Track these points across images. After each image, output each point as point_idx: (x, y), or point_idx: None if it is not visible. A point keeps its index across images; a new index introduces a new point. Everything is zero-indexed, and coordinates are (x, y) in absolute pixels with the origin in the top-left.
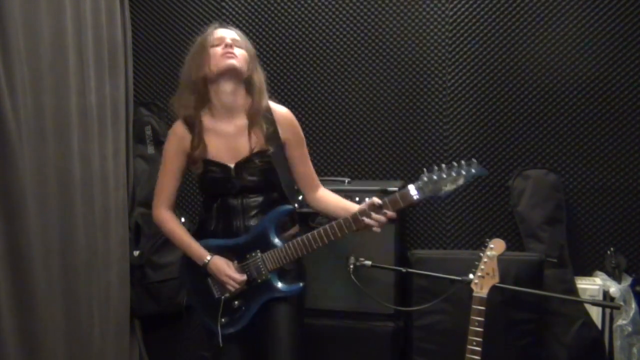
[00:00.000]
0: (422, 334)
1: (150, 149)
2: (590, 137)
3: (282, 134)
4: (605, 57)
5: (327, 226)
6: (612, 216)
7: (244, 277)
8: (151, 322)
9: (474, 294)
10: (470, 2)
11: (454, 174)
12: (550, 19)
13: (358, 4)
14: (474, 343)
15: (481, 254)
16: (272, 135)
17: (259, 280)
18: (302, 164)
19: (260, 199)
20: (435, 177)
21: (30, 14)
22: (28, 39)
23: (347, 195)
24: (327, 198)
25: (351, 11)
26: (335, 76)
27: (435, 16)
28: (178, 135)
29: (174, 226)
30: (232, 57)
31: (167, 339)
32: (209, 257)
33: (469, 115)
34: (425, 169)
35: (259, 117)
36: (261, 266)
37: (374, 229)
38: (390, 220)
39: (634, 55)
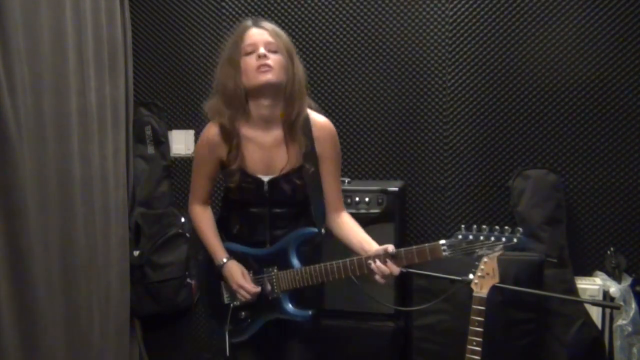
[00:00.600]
0: (422, 334)
1: (150, 149)
2: (590, 137)
3: (318, 146)
4: (605, 57)
5: (340, 262)
6: (612, 216)
7: (256, 290)
8: (151, 322)
9: (474, 294)
10: (470, 2)
11: (492, 238)
12: (550, 19)
13: (358, 4)
14: (474, 343)
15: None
16: (309, 152)
17: (270, 297)
18: (330, 180)
19: (287, 210)
20: (471, 237)
21: (30, 14)
22: (28, 39)
23: (347, 195)
24: (347, 225)
25: (351, 11)
26: (335, 76)
27: (435, 16)
28: (211, 142)
29: (200, 221)
30: (267, 72)
31: (167, 339)
32: (225, 260)
33: (469, 115)
34: (463, 226)
35: (295, 131)
36: (275, 283)
37: (376, 277)
38: (392, 275)
39: (634, 56)
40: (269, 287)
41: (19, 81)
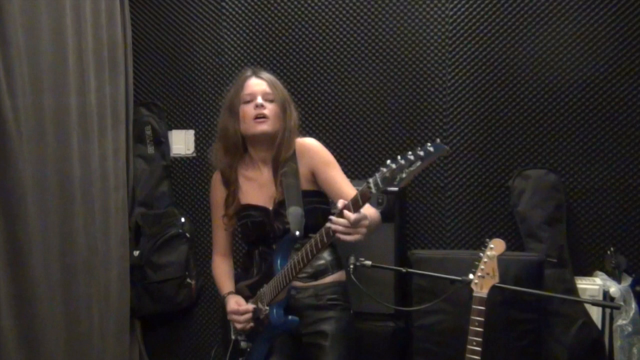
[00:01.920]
0: (422, 334)
1: (150, 149)
2: (590, 137)
3: (305, 166)
4: (605, 57)
5: (307, 244)
6: (612, 216)
7: (246, 308)
8: (151, 322)
9: (474, 294)
10: (470, 2)
11: (410, 155)
12: (550, 19)
13: (358, 4)
14: (474, 343)
15: (481, 254)
16: (290, 172)
17: (261, 317)
18: (333, 183)
19: (298, 244)
20: (393, 165)
21: (30, 14)
22: (28, 39)
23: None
24: None
25: (351, 11)
26: (335, 76)
27: (435, 16)
28: (219, 187)
29: (215, 268)
30: (263, 122)
31: (167, 339)
32: (223, 295)
33: (469, 115)
34: (389, 161)
35: (279, 159)
36: (263, 299)
37: (342, 237)
38: (354, 227)
39: (634, 55)
40: (259, 308)
41: (19, 81)
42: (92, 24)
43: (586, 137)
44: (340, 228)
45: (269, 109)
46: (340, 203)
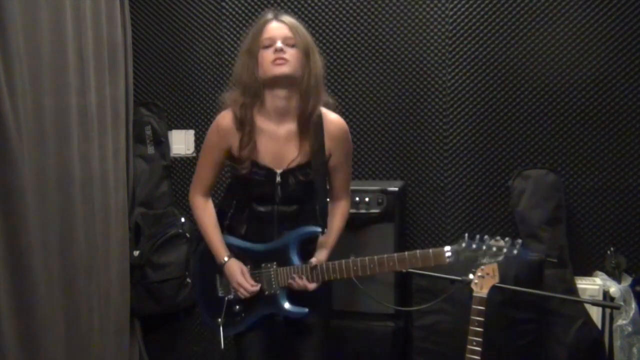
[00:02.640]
0: (422, 334)
1: (150, 149)
2: (590, 137)
3: (328, 144)
4: (605, 57)
5: (337, 263)
6: (612, 216)
7: (256, 288)
8: (151, 322)
9: (474, 294)
10: (470, 2)
11: (494, 248)
12: (550, 19)
13: (358, 4)
14: (474, 343)
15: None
16: (319, 149)
17: (267, 292)
18: (336, 174)
19: (294, 207)
20: (474, 246)
21: (30, 14)
22: (28, 39)
23: None
24: (331, 214)
25: (351, 11)
26: (335, 76)
27: (435, 16)
28: (223, 129)
29: (203, 215)
30: (282, 64)
31: (167, 339)
32: (226, 259)
33: (469, 115)
34: (466, 234)
35: (309, 126)
36: (273, 279)
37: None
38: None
39: (634, 56)
40: (265, 283)
41: (18, 81)
42: (92, 24)
43: (586, 137)
44: (296, 287)
45: (290, 54)
46: (314, 260)
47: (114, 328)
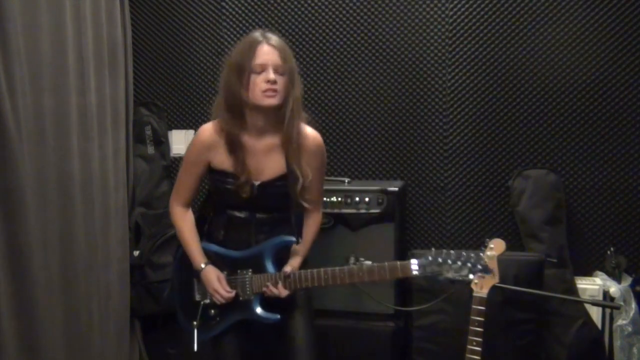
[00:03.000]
0: (422, 334)
1: (150, 149)
2: (590, 137)
3: (305, 159)
4: (605, 57)
5: (309, 272)
6: (612, 216)
7: (231, 295)
8: (151, 322)
9: (474, 294)
10: (470, 2)
11: (459, 263)
12: (550, 19)
13: (358, 4)
14: (474, 343)
15: (481, 254)
16: (297, 162)
17: (241, 298)
18: (310, 188)
19: (271, 215)
20: (440, 260)
21: (30, 14)
22: (28, 39)
23: (347, 195)
24: (305, 224)
25: (351, 11)
26: (335, 76)
27: (435, 16)
28: (205, 142)
29: (182, 224)
30: (273, 96)
31: (167, 339)
32: (203, 266)
33: (469, 115)
34: (433, 249)
35: (290, 143)
36: (247, 286)
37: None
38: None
39: (634, 56)
40: (240, 288)
41: (18, 81)
42: (92, 24)
43: (586, 137)
44: (269, 294)
45: (279, 83)
46: (287, 268)
47: (114, 328)
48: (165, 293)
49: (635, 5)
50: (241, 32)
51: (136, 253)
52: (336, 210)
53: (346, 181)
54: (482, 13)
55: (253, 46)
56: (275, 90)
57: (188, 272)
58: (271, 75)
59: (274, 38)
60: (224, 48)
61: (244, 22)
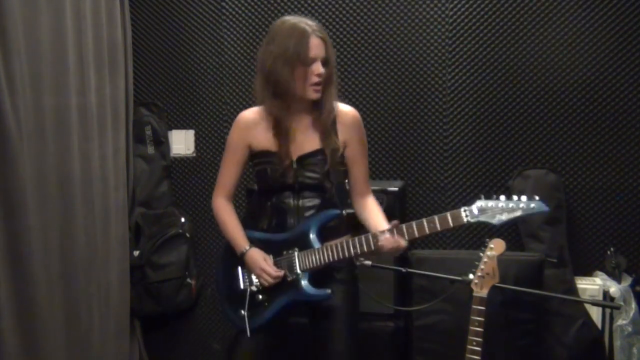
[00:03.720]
0: (422, 334)
1: (150, 149)
2: (590, 137)
3: (342, 134)
4: (605, 57)
5: (356, 238)
6: (612, 216)
7: (279, 273)
8: (151, 322)
9: (474, 294)
10: (470, 2)
11: (512, 205)
12: (550, 19)
13: (358, 4)
14: (474, 343)
15: (481, 254)
16: (333, 137)
17: (289, 279)
18: (356, 165)
19: (316, 200)
20: (491, 204)
21: (30, 14)
22: (28, 39)
23: (347, 195)
24: (368, 208)
25: (351, 11)
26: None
27: (435, 16)
28: (246, 123)
29: (224, 212)
30: (319, 90)
31: (167, 339)
32: (247, 247)
33: (469, 115)
34: (482, 195)
35: (324, 119)
36: (294, 264)
37: (387, 250)
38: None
39: (634, 56)
40: (287, 269)
41: (18, 81)
42: (92, 24)
43: (586, 137)
44: (388, 245)
45: (325, 76)
46: (396, 223)
47: (114, 328)
48: (209, 291)
49: (635, 5)
50: (241, 32)
51: (136, 253)
52: None
53: (346, 181)
54: (482, 13)
55: (305, 38)
56: (320, 84)
57: (232, 264)
58: (321, 69)
59: (319, 29)
60: (224, 48)
61: (244, 22)
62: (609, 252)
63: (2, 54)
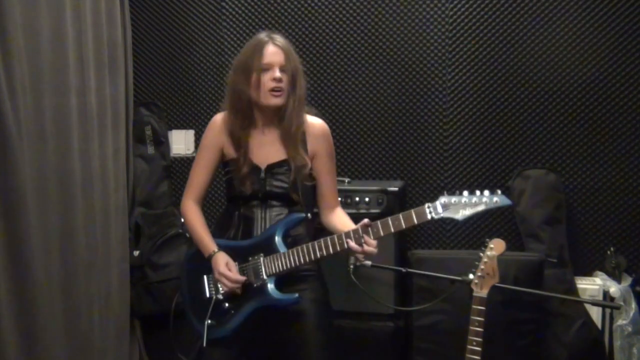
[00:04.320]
0: (422, 334)
1: (150, 149)
2: (590, 137)
3: (311, 145)
4: (605, 57)
5: (322, 239)
6: (612, 216)
7: (238, 278)
8: (151, 322)
9: (474, 294)
10: (470, 2)
11: (474, 199)
12: (550, 19)
13: (358, 4)
14: (474, 343)
15: (481, 254)
16: (300, 150)
17: (255, 285)
18: (324, 177)
19: (283, 211)
20: (454, 200)
21: (30, 14)
22: (28, 39)
23: (347, 195)
24: (337, 216)
25: (351, 11)
26: (335, 76)
27: (435, 16)
28: (217, 128)
29: (193, 216)
30: (279, 95)
31: (167, 339)
32: (215, 250)
33: (469, 115)
34: (445, 192)
35: (287, 128)
36: (260, 270)
37: (358, 255)
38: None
39: (634, 56)
40: (253, 274)
41: (19, 81)
42: (92, 24)
43: (586, 137)
44: (358, 249)
45: (284, 82)
46: (366, 221)
47: (114, 328)
48: (175, 298)
49: (635, 5)
50: (241, 32)
51: (136, 253)
52: None
53: (346, 181)
54: (482, 13)
55: (259, 46)
56: (281, 90)
57: (198, 271)
58: (277, 73)
59: (279, 38)
60: (224, 48)
61: (244, 22)
62: (609, 252)
63: (2, 54)
